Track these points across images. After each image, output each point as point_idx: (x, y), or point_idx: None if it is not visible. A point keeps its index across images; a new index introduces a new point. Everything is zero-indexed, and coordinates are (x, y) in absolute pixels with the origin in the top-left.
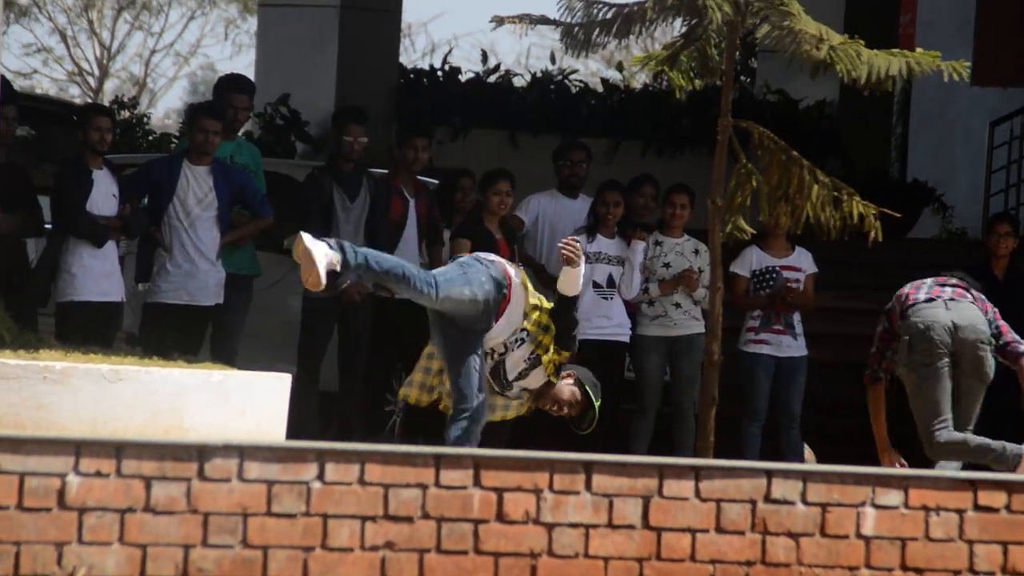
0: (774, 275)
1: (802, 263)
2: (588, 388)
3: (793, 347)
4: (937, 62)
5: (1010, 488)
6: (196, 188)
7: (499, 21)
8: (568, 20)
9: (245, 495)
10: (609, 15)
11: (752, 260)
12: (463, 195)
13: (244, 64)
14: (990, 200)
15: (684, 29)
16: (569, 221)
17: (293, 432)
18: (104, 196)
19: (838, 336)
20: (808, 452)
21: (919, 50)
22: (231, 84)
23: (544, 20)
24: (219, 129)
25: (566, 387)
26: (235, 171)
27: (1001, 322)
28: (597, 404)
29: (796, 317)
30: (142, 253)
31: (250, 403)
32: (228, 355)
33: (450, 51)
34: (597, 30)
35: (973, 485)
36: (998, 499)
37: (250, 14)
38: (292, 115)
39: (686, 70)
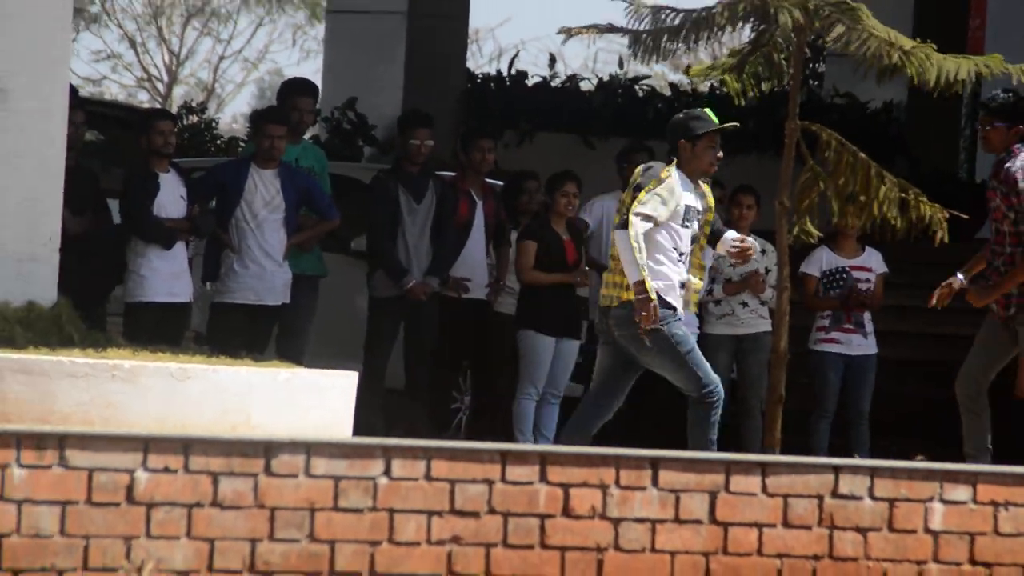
0: (844, 276)
1: (872, 263)
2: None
3: (863, 345)
4: (1005, 65)
5: None
6: (263, 191)
7: (568, 33)
8: (636, 27)
9: (312, 490)
10: (677, 21)
11: (822, 260)
12: (528, 197)
13: (312, 70)
14: None
15: (753, 35)
16: None
17: (359, 429)
18: (172, 198)
19: (908, 334)
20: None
21: (982, 59)
22: (295, 88)
23: (612, 28)
24: (284, 134)
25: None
26: (301, 174)
27: None
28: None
29: (867, 315)
30: (209, 253)
31: (317, 401)
32: (295, 355)
33: (516, 55)
34: (666, 37)
35: None
36: None
37: (318, 21)
38: (359, 119)
39: (751, 76)
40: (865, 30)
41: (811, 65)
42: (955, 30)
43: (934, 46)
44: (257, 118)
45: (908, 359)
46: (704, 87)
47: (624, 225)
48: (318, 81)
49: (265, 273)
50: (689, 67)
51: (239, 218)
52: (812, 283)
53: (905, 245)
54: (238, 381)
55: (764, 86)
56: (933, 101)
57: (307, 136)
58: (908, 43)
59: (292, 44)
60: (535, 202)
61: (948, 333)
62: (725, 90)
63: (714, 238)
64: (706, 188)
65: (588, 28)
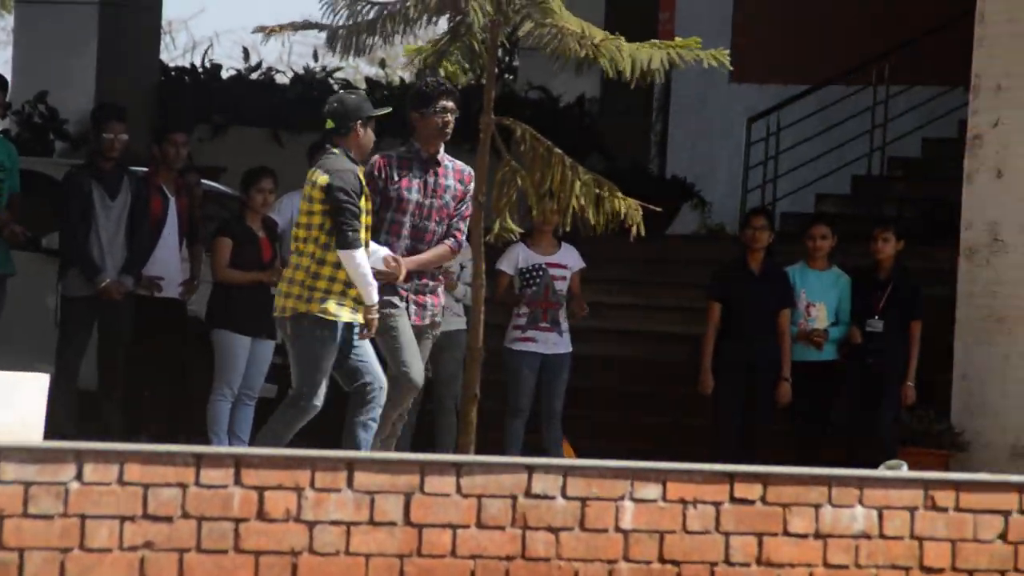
0: (540, 273)
1: (568, 260)
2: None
3: (559, 344)
4: (698, 51)
5: (765, 480)
6: None
7: (264, 32)
8: (331, 22)
9: (1, 497)
10: (371, 15)
11: (518, 258)
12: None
13: (0, 61)
14: (747, 195)
15: (450, 26)
16: None
17: (51, 432)
18: None
19: (600, 331)
20: (567, 448)
21: (675, 46)
22: None
23: (308, 25)
24: None
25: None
26: None
27: None
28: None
29: (562, 314)
30: None
31: (6, 403)
32: None
33: (209, 47)
34: (361, 31)
35: (730, 478)
36: (754, 491)
37: (7, 11)
38: (50, 113)
39: (456, 63)
40: (554, 25)
41: (505, 59)
42: (646, 23)
43: (622, 38)
44: None
45: (603, 355)
46: (395, 79)
47: None
48: (7, 74)
49: None
50: (383, 60)
51: None
52: (504, 280)
53: (597, 241)
54: None
55: (462, 79)
56: (624, 95)
57: None
58: (600, 35)
59: None
60: (196, 195)
61: (642, 330)
62: (417, 83)
63: None
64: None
65: (284, 27)
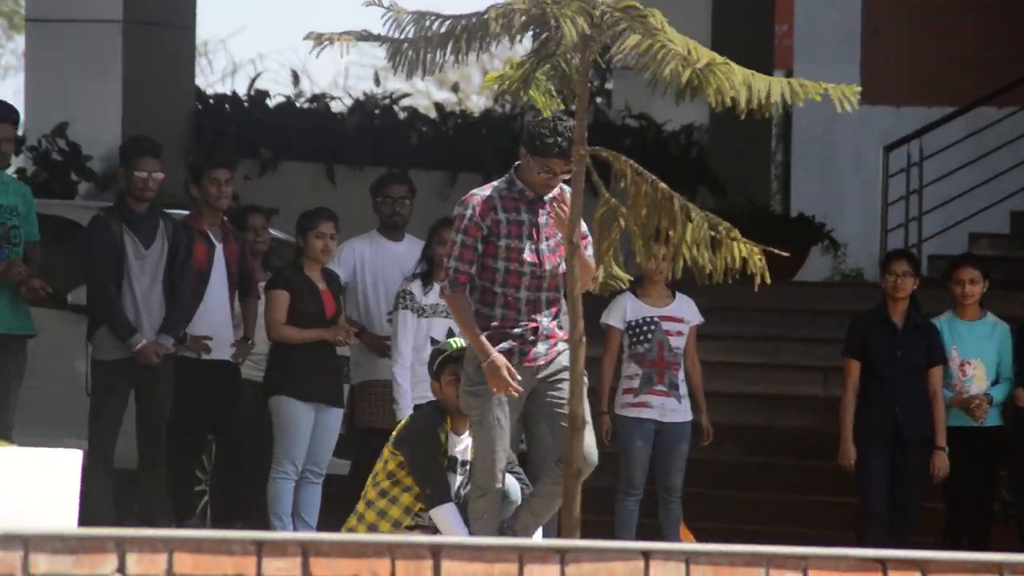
0: (652, 327)
1: (684, 312)
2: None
3: (677, 411)
4: (824, 86)
5: (924, 567)
6: None
7: (316, 40)
8: (396, 35)
9: None
10: (443, 29)
11: (626, 310)
12: (255, 235)
13: (12, 89)
14: (887, 236)
15: (535, 45)
16: (395, 267)
17: (87, 518)
18: None
19: (721, 395)
20: (685, 532)
21: (797, 79)
22: None
23: (369, 36)
24: None
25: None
26: None
27: None
28: None
29: (680, 376)
30: None
31: (34, 484)
32: (2, 430)
33: (258, 75)
34: (431, 46)
35: (882, 565)
36: None
37: (17, 32)
38: (71, 148)
39: (545, 89)
40: (660, 42)
41: (595, 81)
42: (758, 35)
43: (731, 63)
44: None
45: (723, 423)
46: (475, 107)
47: None
48: (19, 104)
49: None
50: (456, 84)
51: None
52: (616, 336)
53: (714, 290)
54: None
55: (550, 106)
56: (740, 122)
57: (10, 170)
58: (706, 56)
59: None
60: (263, 241)
61: (768, 393)
62: (496, 111)
63: None
64: None
65: (342, 35)
